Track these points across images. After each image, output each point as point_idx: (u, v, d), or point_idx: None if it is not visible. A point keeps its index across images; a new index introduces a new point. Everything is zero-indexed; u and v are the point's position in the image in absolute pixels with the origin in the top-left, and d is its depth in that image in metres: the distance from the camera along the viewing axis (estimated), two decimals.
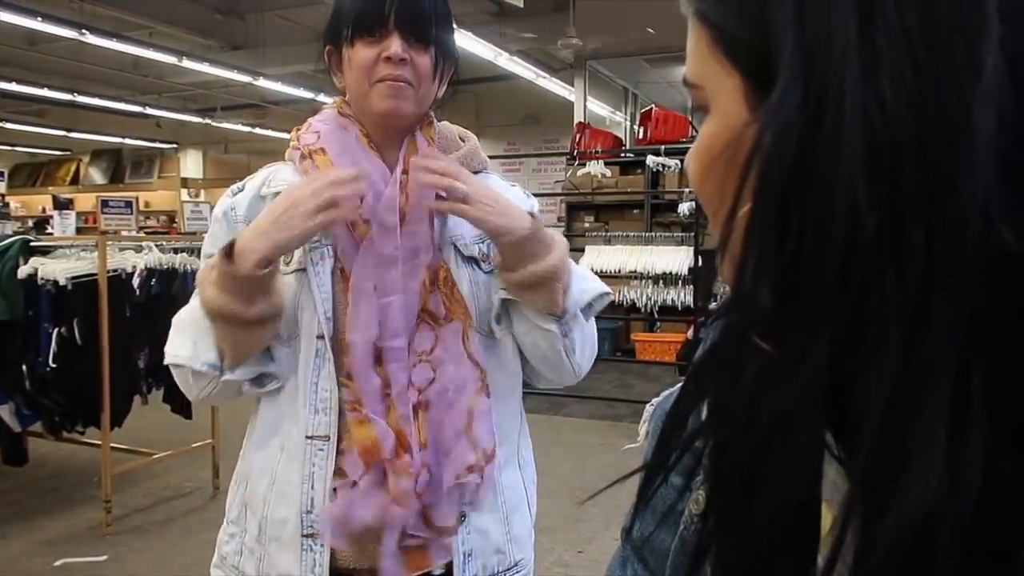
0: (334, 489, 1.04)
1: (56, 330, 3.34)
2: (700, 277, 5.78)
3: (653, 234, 6.59)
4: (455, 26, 1.15)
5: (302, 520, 1.04)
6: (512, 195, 1.14)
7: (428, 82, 1.08)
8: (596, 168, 6.88)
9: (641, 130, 7.51)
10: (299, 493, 1.05)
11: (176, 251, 3.67)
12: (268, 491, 1.08)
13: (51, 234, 4.09)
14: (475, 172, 1.14)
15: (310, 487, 1.04)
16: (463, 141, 1.17)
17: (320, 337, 1.05)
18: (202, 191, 13.54)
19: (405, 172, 1.06)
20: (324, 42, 1.12)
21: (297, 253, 1.07)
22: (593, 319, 1.16)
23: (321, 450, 1.04)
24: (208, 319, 1.01)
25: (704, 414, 0.36)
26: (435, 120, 1.15)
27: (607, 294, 1.13)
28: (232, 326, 0.99)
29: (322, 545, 1.04)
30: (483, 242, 1.11)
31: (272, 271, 0.99)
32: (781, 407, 0.31)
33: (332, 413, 1.04)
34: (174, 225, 11.57)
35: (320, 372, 1.05)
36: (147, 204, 13.29)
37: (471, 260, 1.11)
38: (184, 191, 13.55)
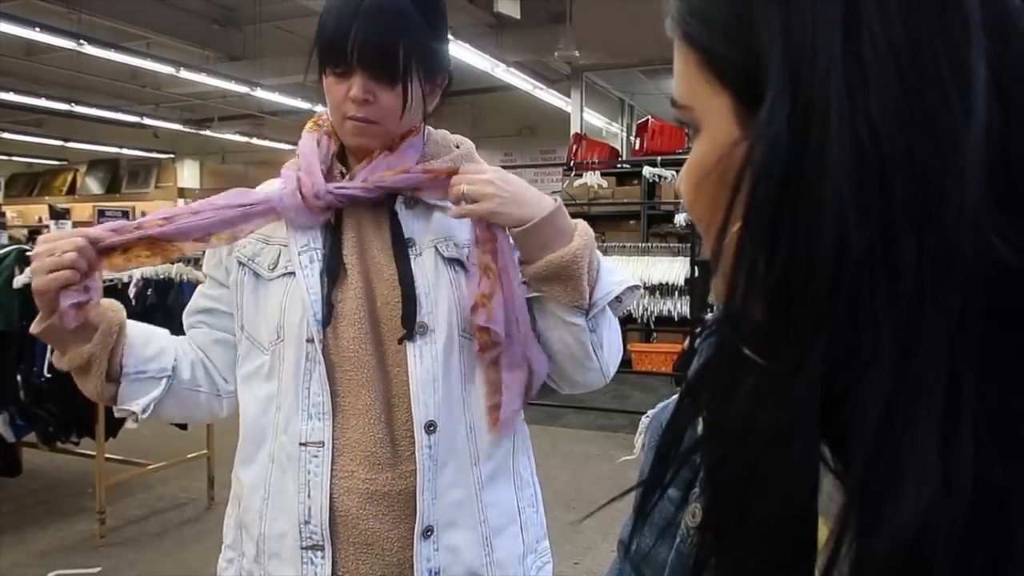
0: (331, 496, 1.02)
1: None
2: (696, 287, 5.79)
3: (649, 245, 6.60)
4: (450, 37, 1.12)
5: (300, 532, 1.02)
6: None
7: (393, 118, 1.05)
8: (592, 179, 6.90)
9: (637, 141, 7.53)
10: (295, 503, 1.02)
11: (172, 261, 3.66)
12: (263, 506, 1.05)
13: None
14: None
15: (306, 496, 1.02)
16: (456, 147, 1.14)
17: (310, 341, 1.03)
18: (199, 201, 13.51)
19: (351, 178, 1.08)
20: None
21: (283, 257, 1.07)
22: (616, 320, 1.12)
23: (316, 456, 1.02)
24: None
25: (700, 428, 0.36)
26: (422, 129, 1.12)
27: (636, 287, 1.09)
28: (74, 375, 1.07)
29: (323, 557, 1.01)
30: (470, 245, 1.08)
31: (53, 326, 1.00)
32: (776, 420, 0.31)
33: (326, 418, 1.02)
34: None
35: (311, 376, 1.03)
36: (144, 214, 13.25)
37: (454, 262, 1.07)
38: (181, 201, 13.55)
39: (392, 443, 1.03)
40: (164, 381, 1.08)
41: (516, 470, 1.12)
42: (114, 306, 1.06)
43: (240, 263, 1.10)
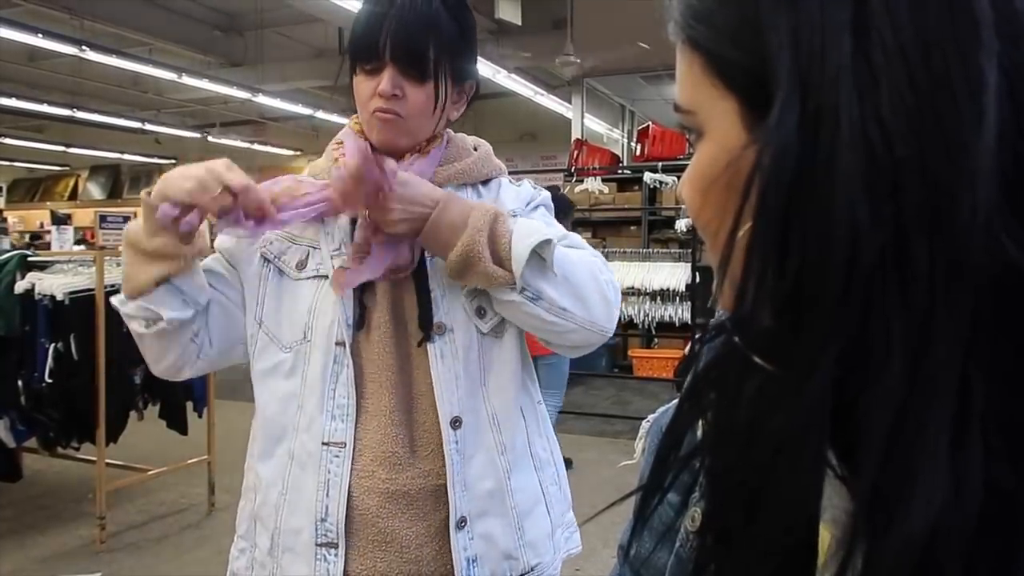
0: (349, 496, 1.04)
1: (52, 345, 3.33)
2: (698, 293, 5.79)
3: (650, 250, 6.60)
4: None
5: (316, 529, 1.04)
6: (518, 192, 1.17)
7: (421, 115, 1.07)
8: (594, 185, 6.90)
9: (638, 147, 7.54)
10: (313, 501, 1.04)
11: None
12: (280, 500, 1.07)
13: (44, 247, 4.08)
14: (486, 179, 1.17)
15: (325, 495, 1.04)
16: (475, 150, 1.18)
17: (340, 344, 1.06)
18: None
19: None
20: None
21: (313, 259, 1.09)
22: (571, 270, 1.07)
23: (337, 456, 1.04)
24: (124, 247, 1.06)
25: (700, 432, 0.36)
26: (444, 135, 1.15)
27: (547, 240, 1.00)
28: (134, 252, 1.03)
29: (336, 555, 1.04)
30: None
31: (169, 215, 0.99)
32: (785, 427, 0.31)
33: (349, 420, 1.05)
34: None
35: (338, 379, 1.06)
36: None
37: None
38: None
39: (411, 443, 1.06)
40: (192, 312, 1.07)
41: (534, 452, 1.15)
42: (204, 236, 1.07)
43: (265, 259, 1.12)
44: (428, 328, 1.06)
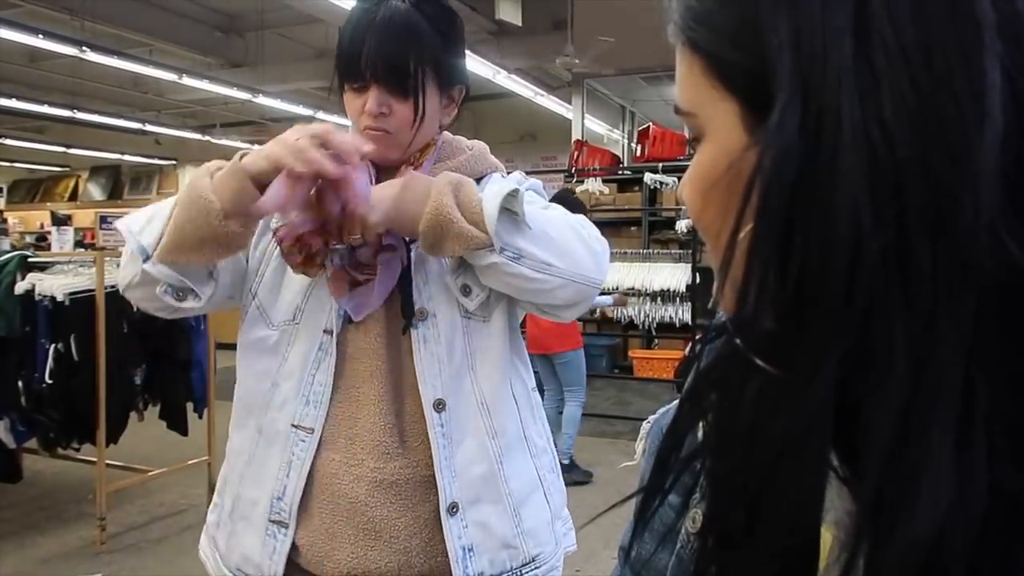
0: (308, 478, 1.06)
1: (53, 346, 3.33)
2: (698, 294, 5.79)
3: (651, 251, 6.61)
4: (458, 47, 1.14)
5: (272, 505, 1.06)
6: (507, 179, 1.15)
7: (408, 129, 1.08)
8: (594, 185, 6.91)
9: (638, 147, 7.55)
10: (274, 479, 1.07)
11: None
12: (245, 470, 1.10)
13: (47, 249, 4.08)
14: (480, 176, 1.16)
15: (285, 475, 1.06)
16: (469, 149, 1.19)
17: (327, 332, 1.07)
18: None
19: None
20: None
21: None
22: (560, 211, 1.05)
23: (304, 440, 1.06)
24: (182, 200, 0.97)
25: (701, 434, 0.36)
26: (437, 141, 1.15)
27: (513, 192, 0.98)
28: (196, 220, 0.95)
29: (285, 534, 1.06)
30: None
31: (252, 195, 0.95)
32: (787, 430, 0.31)
33: (322, 408, 1.06)
34: None
35: (320, 365, 1.07)
36: None
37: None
38: None
39: (400, 433, 1.07)
40: (213, 287, 1.05)
41: (529, 437, 1.15)
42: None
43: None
44: (410, 315, 1.06)
